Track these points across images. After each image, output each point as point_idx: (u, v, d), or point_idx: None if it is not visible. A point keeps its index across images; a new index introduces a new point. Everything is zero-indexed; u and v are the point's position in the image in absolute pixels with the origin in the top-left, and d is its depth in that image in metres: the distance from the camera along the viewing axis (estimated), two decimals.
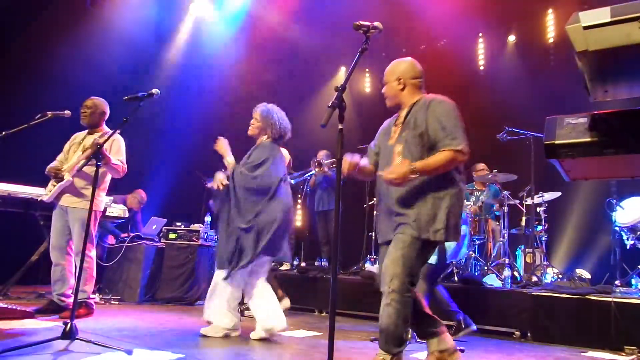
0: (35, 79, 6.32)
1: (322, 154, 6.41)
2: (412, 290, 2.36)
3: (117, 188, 5.09)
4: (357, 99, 8.97)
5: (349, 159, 2.49)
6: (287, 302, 4.44)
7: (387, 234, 2.51)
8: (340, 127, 1.99)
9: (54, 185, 3.98)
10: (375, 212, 2.69)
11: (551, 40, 7.27)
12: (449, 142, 2.39)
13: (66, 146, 4.23)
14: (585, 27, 1.73)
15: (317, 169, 5.94)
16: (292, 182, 6.20)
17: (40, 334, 3.08)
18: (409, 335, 2.74)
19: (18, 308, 3.63)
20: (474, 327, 3.69)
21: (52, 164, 4.09)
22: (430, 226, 2.38)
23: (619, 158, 2.14)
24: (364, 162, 2.70)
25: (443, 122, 2.43)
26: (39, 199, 4.27)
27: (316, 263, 6.58)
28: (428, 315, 2.57)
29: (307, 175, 6.28)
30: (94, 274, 4.11)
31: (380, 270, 2.50)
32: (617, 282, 4.55)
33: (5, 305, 3.62)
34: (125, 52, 7.76)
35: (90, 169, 3.83)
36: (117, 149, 4.04)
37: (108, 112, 4.26)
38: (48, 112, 4.20)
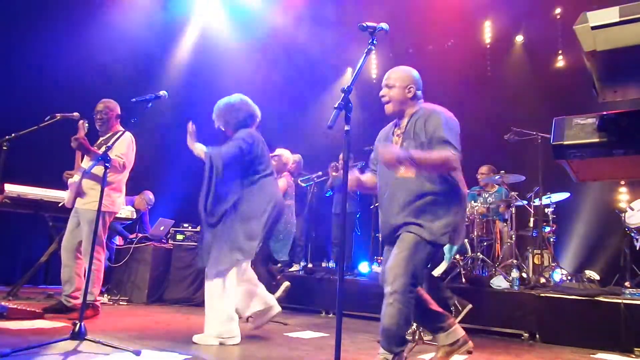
0: (45, 80, 6.38)
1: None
2: (415, 290, 2.37)
3: (125, 189, 5.12)
4: (363, 100, 8.96)
5: (350, 176, 2.55)
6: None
7: (391, 234, 2.52)
8: (346, 128, 1.99)
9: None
10: (379, 214, 2.70)
11: (559, 40, 7.22)
12: (445, 145, 2.39)
13: None
14: (594, 27, 1.71)
15: (334, 173, 6.00)
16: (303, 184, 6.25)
17: (49, 334, 3.10)
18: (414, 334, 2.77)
19: (27, 308, 3.67)
20: (469, 305, 3.77)
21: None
22: (436, 228, 2.39)
23: (629, 159, 2.13)
24: (366, 176, 2.75)
25: (442, 131, 2.42)
26: (59, 205, 4.28)
27: (323, 264, 6.58)
28: (433, 311, 2.60)
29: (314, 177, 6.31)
30: (101, 277, 4.09)
31: (384, 270, 2.51)
32: (626, 284, 4.50)
33: (15, 306, 3.65)
34: (132, 54, 7.81)
35: (101, 170, 3.85)
36: (121, 145, 4.02)
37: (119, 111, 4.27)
38: (57, 114, 4.23)
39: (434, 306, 2.62)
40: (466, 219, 2.60)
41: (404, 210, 2.45)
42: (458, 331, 2.62)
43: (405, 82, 2.59)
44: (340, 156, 6.45)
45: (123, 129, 3.69)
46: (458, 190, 2.51)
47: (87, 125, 4.01)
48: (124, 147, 4.05)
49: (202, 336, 3.22)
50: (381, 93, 2.63)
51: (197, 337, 3.22)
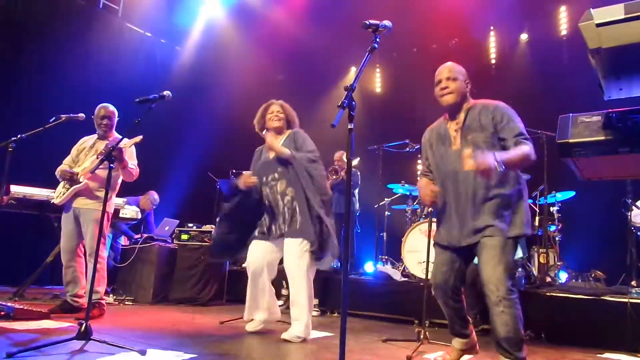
0: (49, 83, 6.40)
1: (339, 155, 6.41)
2: (516, 290, 2.41)
3: (130, 190, 5.14)
4: (367, 99, 8.95)
5: (430, 190, 2.60)
6: None
7: (463, 238, 2.53)
8: (350, 127, 1.99)
9: (66, 188, 4.03)
10: (438, 214, 2.75)
11: (564, 38, 7.19)
12: (523, 140, 2.44)
13: (74, 150, 4.26)
14: (599, 25, 1.71)
15: (334, 176, 6.00)
16: None
17: (55, 334, 3.12)
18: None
19: (34, 309, 3.69)
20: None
21: (62, 168, 4.12)
22: (515, 223, 2.46)
23: (635, 157, 2.11)
24: (423, 181, 2.78)
25: (515, 123, 2.49)
26: (51, 202, 4.33)
27: None
28: (465, 317, 2.71)
29: None
30: (106, 275, 4.14)
31: (438, 274, 2.62)
32: (633, 283, 4.47)
33: (21, 306, 3.67)
34: (137, 55, 7.83)
35: (103, 172, 3.87)
36: (130, 154, 4.08)
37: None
38: (62, 115, 4.26)
39: (466, 314, 2.73)
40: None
41: (480, 212, 2.49)
42: (473, 338, 2.75)
43: (465, 76, 2.70)
44: (335, 156, 6.42)
45: (120, 137, 3.72)
46: (520, 177, 2.57)
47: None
48: (134, 156, 4.14)
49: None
50: (443, 84, 2.65)
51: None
